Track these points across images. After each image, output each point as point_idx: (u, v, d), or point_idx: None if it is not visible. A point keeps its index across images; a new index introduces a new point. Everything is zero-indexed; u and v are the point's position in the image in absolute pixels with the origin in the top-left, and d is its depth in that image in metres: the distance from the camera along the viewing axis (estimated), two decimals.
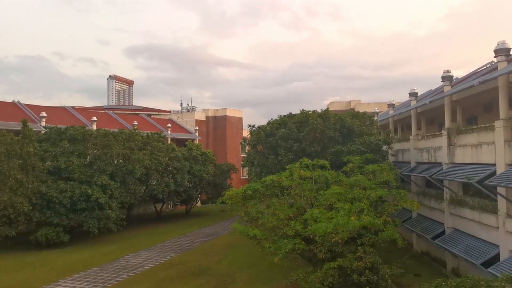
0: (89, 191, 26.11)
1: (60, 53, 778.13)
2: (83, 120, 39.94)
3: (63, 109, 44.52)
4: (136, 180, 30.78)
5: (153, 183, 32.91)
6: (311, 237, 14.32)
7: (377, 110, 39.92)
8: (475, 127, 18.47)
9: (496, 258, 14.99)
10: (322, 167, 18.50)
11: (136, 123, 42.39)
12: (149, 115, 55.44)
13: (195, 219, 38.84)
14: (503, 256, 14.71)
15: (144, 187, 32.33)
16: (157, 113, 61.50)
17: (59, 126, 30.89)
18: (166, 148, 35.08)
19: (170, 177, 34.04)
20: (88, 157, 29.44)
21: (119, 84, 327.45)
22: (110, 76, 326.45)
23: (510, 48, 16.39)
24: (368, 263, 13.75)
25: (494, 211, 15.74)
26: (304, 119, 24.73)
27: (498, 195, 15.23)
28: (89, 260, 22.85)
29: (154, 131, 39.21)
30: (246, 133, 37.64)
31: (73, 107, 47.29)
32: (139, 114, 55.83)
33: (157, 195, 34.26)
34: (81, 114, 42.51)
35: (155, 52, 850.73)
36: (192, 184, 38.16)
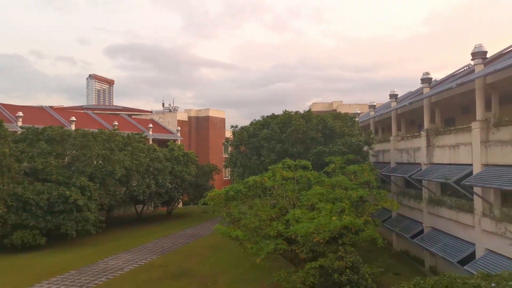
0: (67, 192, 25.58)
1: (38, 51, 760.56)
2: (61, 120, 39.09)
3: (40, 109, 43.48)
4: (116, 181, 30.33)
5: (134, 184, 32.50)
6: (293, 237, 14.41)
7: (359, 111, 40.50)
8: (452, 128, 18.94)
9: (472, 256, 15.42)
10: (304, 168, 18.62)
11: (117, 123, 41.76)
12: (130, 115, 54.65)
13: (177, 220, 38.53)
14: (479, 254, 15.14)
15: (124, 189, 31.88)
16: (138, 113, 60.64)
17: (36, 126, 30.16)
18: (147, 149, 34.69)
19: (151, 178, 33.69)
20: (66, 158, 28.85)
21: (99, 83, 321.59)
22: (90, 75, 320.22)
23: (487, 51, 16.87)
24: (348, 263, 13.92)
25: (470, 210, 16.18)
26: (286, 120, 24.86)
27: (474, 195, 15.65)
28: (66, 263, 22.37)
29: (135, 132, 38.77)
30: (228, 134, 37.55)
31: (51, 107, 46.22)
32: (119, 114, 54.96)
33: (138, 197, 33.83)
34: (59, 114, 41.62)
35: (137, 52, 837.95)
36: (174, 185, 37.82)
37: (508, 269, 10.25)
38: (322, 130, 24.36)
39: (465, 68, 23.11)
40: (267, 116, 27.06)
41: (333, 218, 13.91)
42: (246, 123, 36.86)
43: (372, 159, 27.57)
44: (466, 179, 15.20)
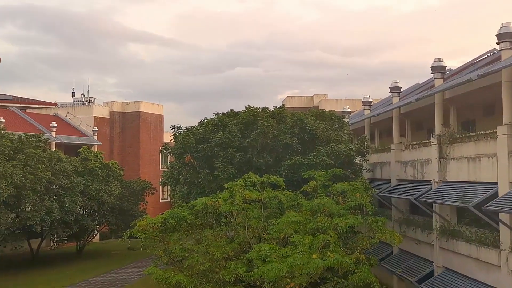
0: None
1: None
2: None
3: None
4: (1, 205, 29.24)
5: (28, 209, 31.50)
6: (258, 283, 14.42)
7: (349, 109, 41.34)
8: (472, 134, 19.67)
9: None
10: (275, 186, 18.74)
11: (3, 120, 40.40)
12: (23, 109, 53.38)
13: (91, 261, 37.74)
14: None
15: (13, 215, 30.83)
16: (36, 105, 59.02)
17: None
18: (48, 158, 33.76)
19: (54, 200, 32.79)
20: None
21: None
22: None
23: None
24: None
25: (495, 244, 16.80)
26: (250, 119, 24.96)
27: (500, 223, 16.28)
28: None
29: (30, 133, 37.59)
30: (168, 138, 37.21)
31: None
32: (7, 107, 53.27)
33: (33, 227, 32.74)
34: None
35: (34, 18, 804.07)
36: (88, 210, 37.21)
37: None
38: (300, 134, 24.65)
39: (489, 54, 24.20)
40: (224, 114, 27.08)
41: (314, 256, 14.07)
42: (194, 122, 36.77)
43: (366, 175, 28.18)
44: (490, 203, 15.82)
